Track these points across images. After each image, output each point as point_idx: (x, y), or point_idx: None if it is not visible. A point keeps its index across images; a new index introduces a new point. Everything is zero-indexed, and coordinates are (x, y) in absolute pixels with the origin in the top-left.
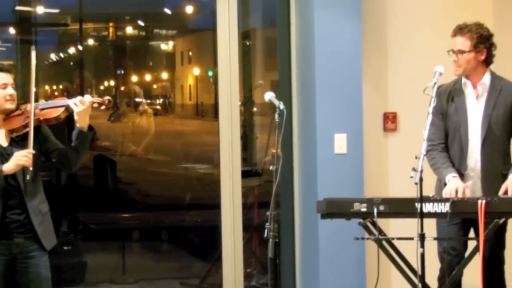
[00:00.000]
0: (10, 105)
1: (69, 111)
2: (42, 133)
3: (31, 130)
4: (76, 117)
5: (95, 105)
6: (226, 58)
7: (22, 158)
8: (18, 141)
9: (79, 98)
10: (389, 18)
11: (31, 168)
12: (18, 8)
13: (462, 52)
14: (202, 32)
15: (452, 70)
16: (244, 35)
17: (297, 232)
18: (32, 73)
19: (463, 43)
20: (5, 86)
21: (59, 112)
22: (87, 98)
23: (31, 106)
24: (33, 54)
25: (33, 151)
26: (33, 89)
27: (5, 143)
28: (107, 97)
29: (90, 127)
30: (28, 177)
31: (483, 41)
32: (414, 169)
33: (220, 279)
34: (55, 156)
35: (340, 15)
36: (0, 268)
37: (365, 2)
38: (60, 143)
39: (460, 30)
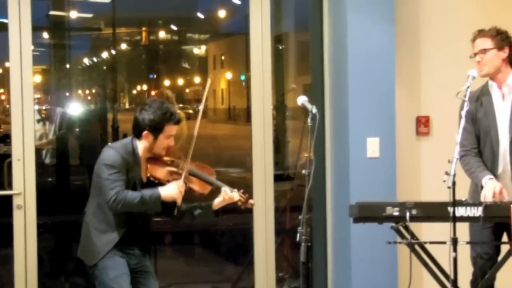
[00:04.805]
0: (163, 152)
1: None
2: None
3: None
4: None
5: (239, 203)
6: (259, 62)
7: (182, 190)
8: (153, 182)
9: (229, 191)
10: (422, 22)
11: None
12: (52, 12)
13: (484, 50)
14: (235, 36)
15: None
16: (277, 39)
17: (329, 236)
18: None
19: (485, 42)
20: (170, 137)
21: (205, 190)
22: (236, 195)
23: (185, 166)
24: (208, 82)
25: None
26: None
27: (144, 178)
28: (251, 201)
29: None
30: (176, 212)
31: (503, 39)
32: (447, 173)
33: (252, 283)
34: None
35: (373, 19)
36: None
37: (397, 5)
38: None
39: (478, 33)
